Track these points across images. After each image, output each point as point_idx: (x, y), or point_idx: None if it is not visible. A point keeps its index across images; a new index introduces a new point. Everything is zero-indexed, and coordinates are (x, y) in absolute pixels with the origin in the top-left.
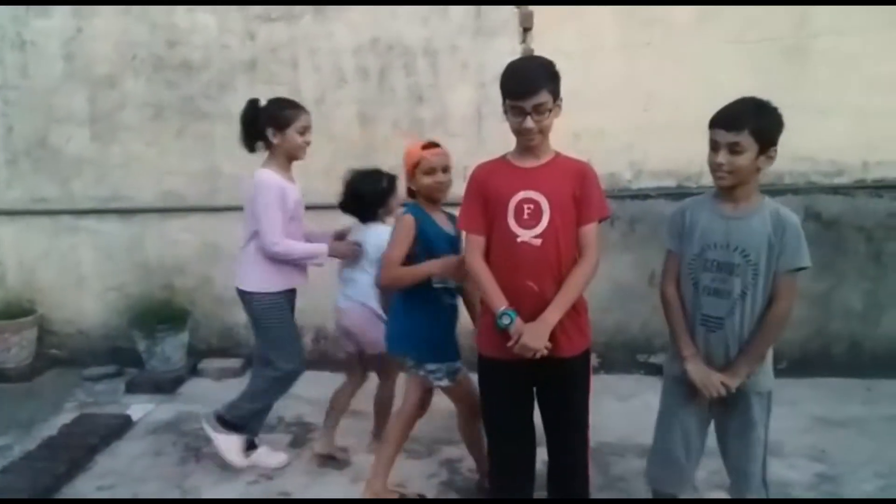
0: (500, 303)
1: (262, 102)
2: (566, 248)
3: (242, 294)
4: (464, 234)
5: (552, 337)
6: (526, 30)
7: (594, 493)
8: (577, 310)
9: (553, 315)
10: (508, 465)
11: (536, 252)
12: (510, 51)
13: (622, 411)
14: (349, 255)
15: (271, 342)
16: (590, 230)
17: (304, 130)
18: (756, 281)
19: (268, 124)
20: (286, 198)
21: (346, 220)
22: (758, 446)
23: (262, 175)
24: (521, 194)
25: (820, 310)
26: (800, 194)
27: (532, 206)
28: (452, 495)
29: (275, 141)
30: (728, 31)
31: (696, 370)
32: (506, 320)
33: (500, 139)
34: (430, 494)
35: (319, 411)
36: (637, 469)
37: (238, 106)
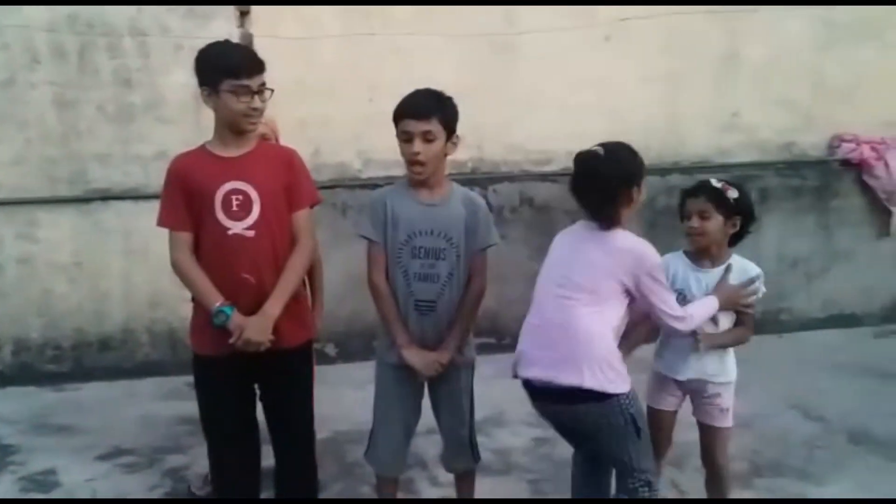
0: (215, 300)
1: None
2: (281, 237)
3: None
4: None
5: (274, 328)
6: (243, 14)
7: (330, 482)
8: (297, 299)
9: (274, 307)
10: (232, 467)
11: (250, 244)
12: (227, 34)
13: (359, 399)
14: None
15: None
16: (302, 216)
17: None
18: (459, 262)
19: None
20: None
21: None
22: (466, 413)
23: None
24: (229, 185)
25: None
26: (514, 181)
27: (241, 197)
28: None
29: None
30: (442, 25)
31: (413, 355)
32: (221, 318)
33: None
34: None
35: (20, 432)
36: None
37: None
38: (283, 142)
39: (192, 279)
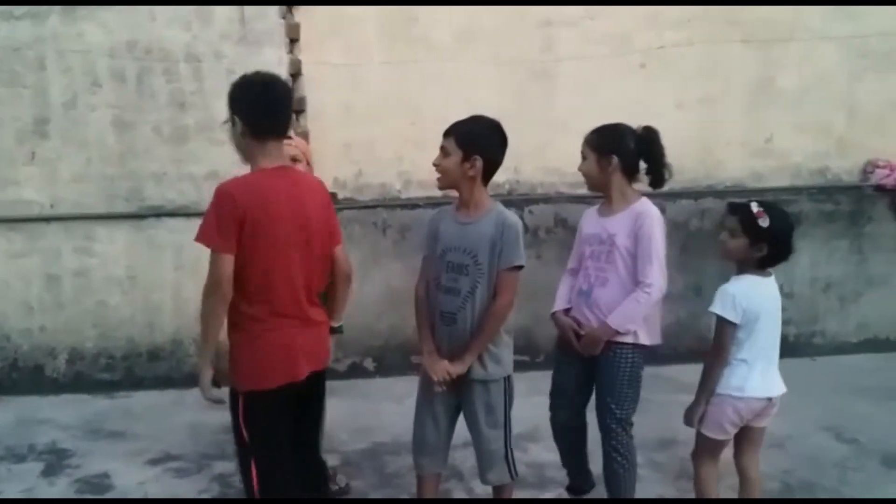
0: None
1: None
2: None
3: None
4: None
5: None
6: (293, 41)
7: (370, 492)
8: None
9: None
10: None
11: None
12: (277, 60)
13: (397, 412)
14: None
15: None
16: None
17: None
18: (482, 279)
19: None
20: None
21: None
22: (498, 428)
23: None
24: None
25: None
26: (550, 203)
27: None
28: None
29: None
30: (483, 52)
31: (427, 360)
32: None
33: None
34: None
35: (74, 437)
36: (410, 465)
37: None
38: (324, 164)
39: None
